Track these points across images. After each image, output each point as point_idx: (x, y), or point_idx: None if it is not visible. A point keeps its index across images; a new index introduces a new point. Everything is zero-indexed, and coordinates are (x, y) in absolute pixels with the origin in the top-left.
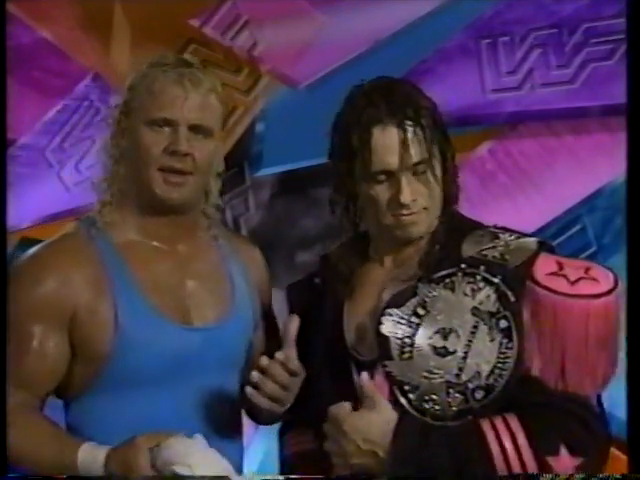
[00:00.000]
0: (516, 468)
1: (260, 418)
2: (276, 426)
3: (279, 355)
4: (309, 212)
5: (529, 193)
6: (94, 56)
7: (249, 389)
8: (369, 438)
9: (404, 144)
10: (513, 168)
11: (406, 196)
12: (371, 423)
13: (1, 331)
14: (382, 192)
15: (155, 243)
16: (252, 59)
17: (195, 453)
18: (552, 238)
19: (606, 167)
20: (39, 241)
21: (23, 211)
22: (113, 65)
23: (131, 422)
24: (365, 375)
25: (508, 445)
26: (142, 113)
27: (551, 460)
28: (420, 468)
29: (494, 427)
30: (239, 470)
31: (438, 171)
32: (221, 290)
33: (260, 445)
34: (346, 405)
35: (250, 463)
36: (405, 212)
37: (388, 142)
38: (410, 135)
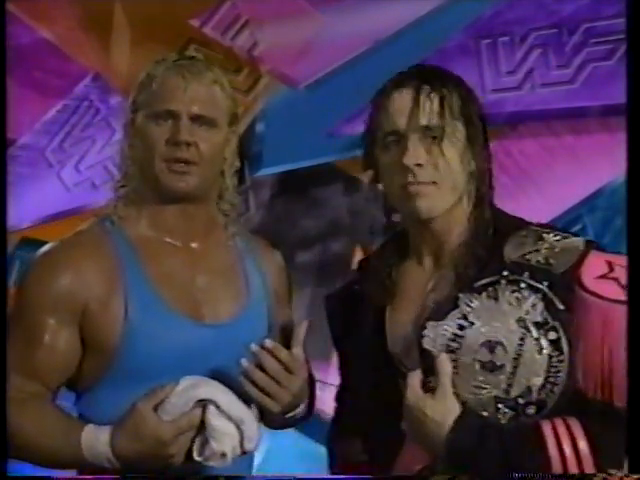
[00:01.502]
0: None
1: (266, 420)
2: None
3: (267, 343)
4: (309, 212)
5: (529, 193)
6: (94, 56)
7: (242, 377)
8: (426, 424)
9: (416, 104)
10: (513, 168)
11: (410, 157)
12: (428, 411)
13: (1, 329)
14: (392, 157)
15: (168, 239)
16: (252, 59)
17: (215, 388)
18: None
19: (606, 167)
20: (39, 241)
21: (23, 211)
22: (113, 65)
23: None
24: (445, 361)
25: (567, 449)
26: (146, 108)
27: (613, 474)
28: (472, 464)
29: (554, 429)
30: (249, 466)
31: (457, 145)
32: (235, 288)
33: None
34: (418, 381)
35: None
36: (410, 180)
37: (402, 104)
38: (423, 97)
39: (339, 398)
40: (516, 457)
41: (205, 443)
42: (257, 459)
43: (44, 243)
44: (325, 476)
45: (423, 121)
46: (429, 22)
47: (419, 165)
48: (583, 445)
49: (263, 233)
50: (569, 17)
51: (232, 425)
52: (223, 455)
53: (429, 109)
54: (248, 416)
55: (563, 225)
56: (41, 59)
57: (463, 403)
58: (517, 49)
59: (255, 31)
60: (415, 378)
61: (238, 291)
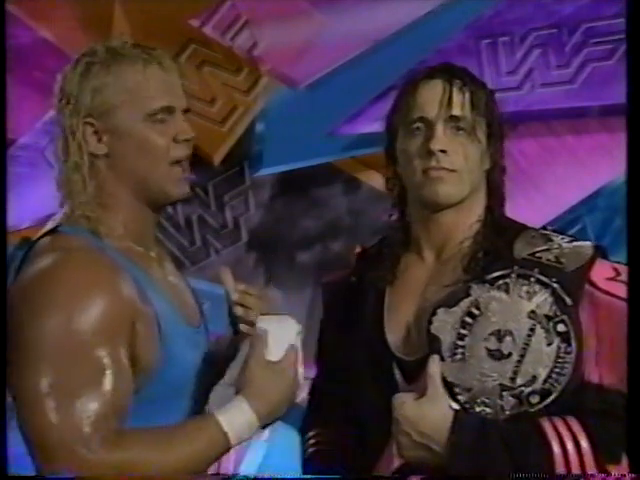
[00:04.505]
0: (576, 472)
1: None
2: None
3: (240, 287)
4: (309, 212)
5: (529, 193)
6: None
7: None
8: (422, 431)
9: (447, 95)
10: (513, 168)
11: (436, 143)
12: (426, 415)
13: (1, 329)
14: (415, 143)
15: (141, 249)
16: (252, 59)
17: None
18: None
19: (606, 167)
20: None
21: (23, 211)
22: None
23: None
24: (435, 362)
25: (570, 447)
26: (135, 109)
27: (612, 469)
28: (477, 465)
29: (555, 428)
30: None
31: (480, 139)
32: (189, 289)
33: (259, 444)
34: (407, 395)
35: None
36: (434, 164)
37: (433, 93)
38: (456, 90)
39: (317, 387)
40: (520, 456)
41: None
42: (257, 459)
43: None
44: (296, 477)
45: (453, 111)
46: (429, 22)
47: (443, 152)
48: (584, 443)
49: (263, 233)
50: (569, 17)
51: None
52: None
53: (460, 101)
54: None
55: (563, 225)
56: (41, 59)
57: (468, 390)
58: (517, 49)
59: (255, 31)
60: (405, 396)
61: (190, 291)
